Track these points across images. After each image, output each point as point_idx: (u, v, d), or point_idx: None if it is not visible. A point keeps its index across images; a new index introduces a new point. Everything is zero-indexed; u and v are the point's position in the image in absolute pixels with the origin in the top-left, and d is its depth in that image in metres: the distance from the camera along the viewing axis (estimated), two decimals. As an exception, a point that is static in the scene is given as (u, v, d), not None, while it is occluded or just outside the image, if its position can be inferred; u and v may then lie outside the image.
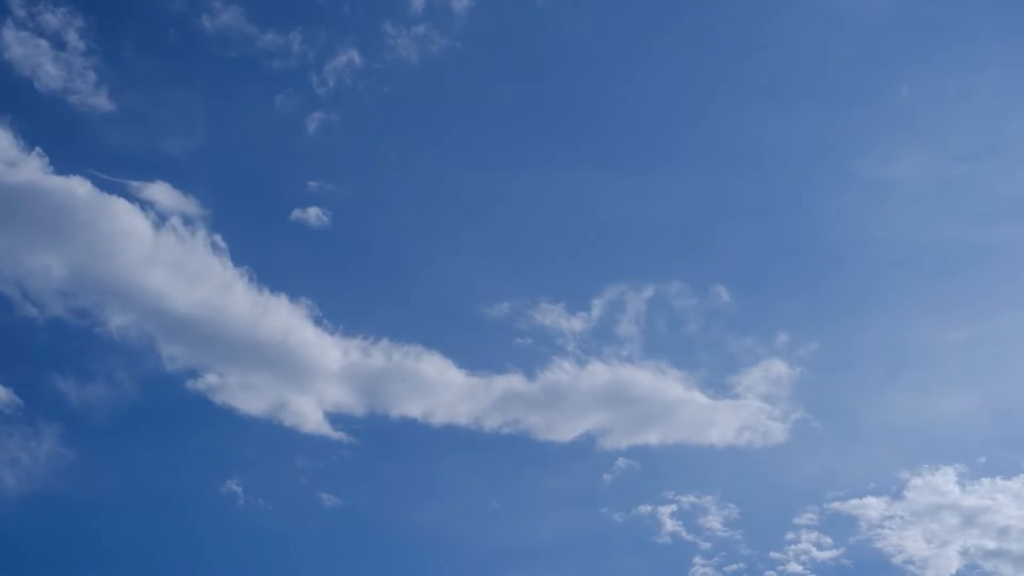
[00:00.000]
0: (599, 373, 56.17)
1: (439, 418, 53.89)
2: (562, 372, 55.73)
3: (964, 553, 54.11)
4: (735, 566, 52.87)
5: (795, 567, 52.99)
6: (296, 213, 56.04)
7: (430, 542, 52.42)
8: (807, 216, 63.15)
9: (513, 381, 55.02)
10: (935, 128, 63.12)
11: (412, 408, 53.67)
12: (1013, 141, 62.26)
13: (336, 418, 52.74)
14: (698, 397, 56.46)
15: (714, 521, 54.11)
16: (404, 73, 59.15)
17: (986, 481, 55.63)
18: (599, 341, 57.10)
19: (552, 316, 56.77)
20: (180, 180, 54.53)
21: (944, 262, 61.84)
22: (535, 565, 52.60)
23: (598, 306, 57.86)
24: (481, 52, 61.25)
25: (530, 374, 55.25)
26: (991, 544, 54.28)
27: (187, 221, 53.61)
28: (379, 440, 53.72)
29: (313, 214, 55.80)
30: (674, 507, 54.37)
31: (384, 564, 50.64)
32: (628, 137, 62.70)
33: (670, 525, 53.87)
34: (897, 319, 61.39)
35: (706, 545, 53.57)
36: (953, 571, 53.58)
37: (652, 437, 55.81)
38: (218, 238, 53.79)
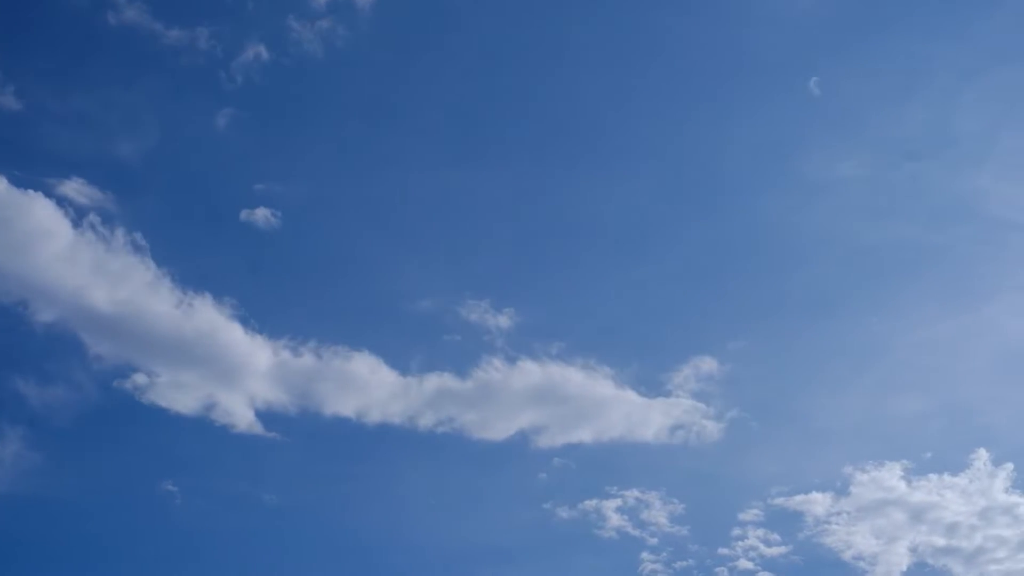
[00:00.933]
0: (530, 371, 54.98)
1: (373, 417, 52.91)
2: (493, 370, 54.66)
3: (913, 550, 53.39)
4: (684, 563, 51.97)
5: (745, 564, 51.99)
6: (225, 212, 55.26)
7: (369, 541, 51.61)
8: (747, 216, 62.26)
9: (445, 380, 54.07)
10: (879, 128, 62.80)
11: (345, 407, 52.58)
12: (958, 140, 62.16)
13: (268, 417, 51.71)
14: (630, 395, 55.32)
15: (660, 516, 53.00)
16: (312, 68, 57.97)
17: (933, 477, 54.96)
18: (528, 338, 56.13)
19: (478, 312, 55.65)
20: (96, 178, 52.83)
21: (889, 263, 61.14)
22: (479, 563, 51.78)
23: (526, 303, 57.18)
24: (387, 46, 59.95)
25: (461, 372, 54.32)
26: (940, 541, 53.73)
27: (106, 219, 51.99)
28: (313, 439, 52.79)
29: (244, 215, 54.65)
30: (619, 502, 53.24)
31: (324, 563, 49.93)
32: (559, 133, 61.41)
33: (616, 520, 52.79)
34: (837, 319, 60.60)
35: (653, 540, 52.59)
36: (904, 568, 52.94)
37: (586, 435, 54.81)
38: (138, 236, 52.14)
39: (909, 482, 54.55)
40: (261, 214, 54.22)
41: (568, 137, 61.15)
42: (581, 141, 61.17)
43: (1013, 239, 60.22)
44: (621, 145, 61.53)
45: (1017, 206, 59.90)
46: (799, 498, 53.81)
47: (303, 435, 52.25)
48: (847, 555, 52.74)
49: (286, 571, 49.57)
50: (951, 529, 53.72)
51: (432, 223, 58.87)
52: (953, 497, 54.39)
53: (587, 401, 54.80)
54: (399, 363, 53.52)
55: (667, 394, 55.76)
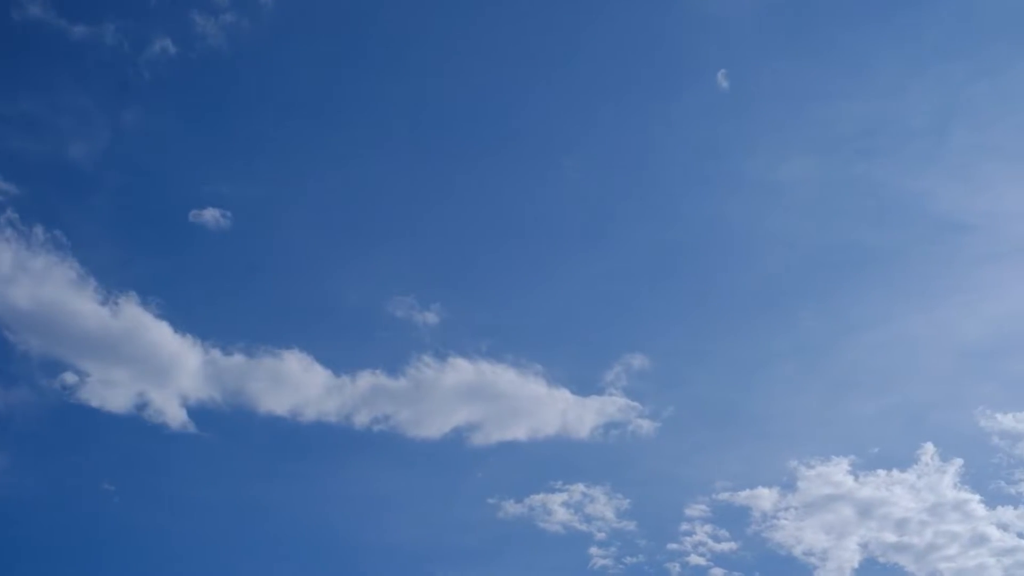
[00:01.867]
0: (462, 368, 53.69)
1: (308, 416, 51.67)
2: (424, 367, 53.37)
3: (864, 546, 52.48)
4: (635, 558, 50.79)
5: (697, 559, 50.96)
6: (158, 210, 53.97)
7: (312, 540, 50.52)
8: (685, 215, 61.09)
9: (377, 377, 52.91)
10: (826, 128, 61.57)
11: (279, 406, 51.33)
12: (908, 139, 61.48)
13: (201, 416, 50.46)
14: (564, 393, 54.17)
15: (606, 511, 51.80)
16: (218, 63, 55.80)
17: (881, 473, 54.07)
18: (459, 336, 55.01)
19: (406, 309, 54.38)
20: (11, 174, 50.87)
21: (837, 264, 60.35)
22: (425, 560, 50.84)
23: (456, 300, 56.01)
24: (292, 40, 57.81)
25: (392, 370, 53.08)
26: (891, 537, 52.78)
27: (24, 217, 50.05)
28: (248, 438, 51.71)
29: (191, 216, 53.31)
30: (565, 496, 52.11)
31: (265, 562, 49.11)
32: (488, 130, 59.98)
33: (562, 515, 51.56)
34: (781, 317, 59.66)
35: (601, 535, 51.36)
36: (856, 565, 51.91)
37: (521, 433, 53.67)
38: (59, 234, 50.29)
39: (856, 477, 53.82)
40: (210, 215, 53.29)
41: (498, 134, 59.96)
42: (512, 138, 59.95)
43: (961, 240, 60.00)
44: (552, 142, 60.40)
45: (966, 206, 59.85)
46: (745, 493, 52.99)
47: (238, 434, 51.26)
48: (797, 551, 51.92)
49: (226, 570, 48.70)
50: (901, 525, 53.04)
51: (363, 221, 57.69)
52: (902, 493, 53.64)
53: (520, 399, 53.90)
54: (331, 361, 52.43)
55: (600, 392, 54.79)
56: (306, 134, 57.21)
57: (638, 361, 55.18)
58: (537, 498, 51.70)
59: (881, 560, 51.99)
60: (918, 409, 57.19)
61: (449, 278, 57.16)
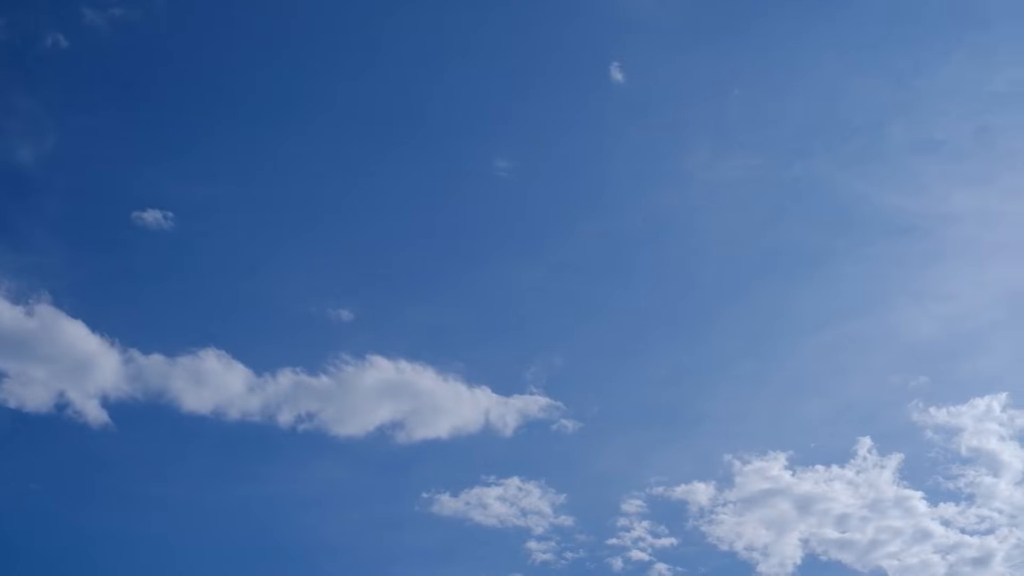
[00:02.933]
0: (382, 367, 52.46)
1: (232, 415, 50.30)
2: (344, 366, 52.09)
3: (805, 542, 51.05)
4: (575, 553, 49.43)
5: (640, 555, 49.46)
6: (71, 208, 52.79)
7: (244, 537, 49.54)
8: (625, 215, 59.47)
9: (299, 377, 51.60)
10: (769, 128, 60.43)
11: (201, 405, 50.02)
12: (851, 139, 60.30)
13: (122, 416, 49.19)
14: (485, 392, 52.87)
15: (543, 506, 50.47)
16: (110, 56, 54.67)
17: (820, 468, 52.79)
18: (378, 334, 54.10)
19: (325, 308, 53.50)
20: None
21: (772, 265, 59.19)
22: (361, 558, 49.74)
23: (376, 300, 55.31)
24: (182, 32, 56.40)
25: (313, 369, 51.87)
26: (832, 533, 51.41)
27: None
28: (171, 437, 50.46)
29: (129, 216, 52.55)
30: (500, 490, 50.75)
31: (194, 560, 48.01)
32: (405, 130, 58.25)
33: (498, 508, 50.15)
34: (716, 316, 58.30)
35: (539, 529, 49.96)
36: (799, 561, 50.51)
37: (443, 431, 52.30)
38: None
39: (794, 472, 52.62)
40: (145, 216, 52.45)
41: (421, 131, 58.38)
42: (436, 136, 58.54)
43: (903, 240, 59.14)
44: (480, 140, 59.27)
45: (908, 207, 58.97)
46: (681, 488, 51.76)
47: (161, 433, 50.17)
48: (739, 546, 50.57)
49: (154, 569, 47.50)
50: (842, 521, 51.84)
51: (290, 221, 56.45)
52: (841, 488, 52.45)
53: (441, 397, 52.75)
54: (251, 360, 51.10)
55: (522, 391, 53.45)
56: (235, 135, 56.61)
57: (560, 360, 54.80)
58: (473, 492, 50.64)
59: (823, 558, 50.94)
60: (854, 404, 56.33)
61: (369, 277, 56.10)
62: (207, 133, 56.01)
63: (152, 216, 52.06)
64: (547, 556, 49.14)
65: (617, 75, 57.58)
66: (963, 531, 51.04)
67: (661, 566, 49.26)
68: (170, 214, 52.27)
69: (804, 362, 57.54)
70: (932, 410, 53.51)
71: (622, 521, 50.57)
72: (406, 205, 57.55)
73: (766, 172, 59.71)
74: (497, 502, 50.29)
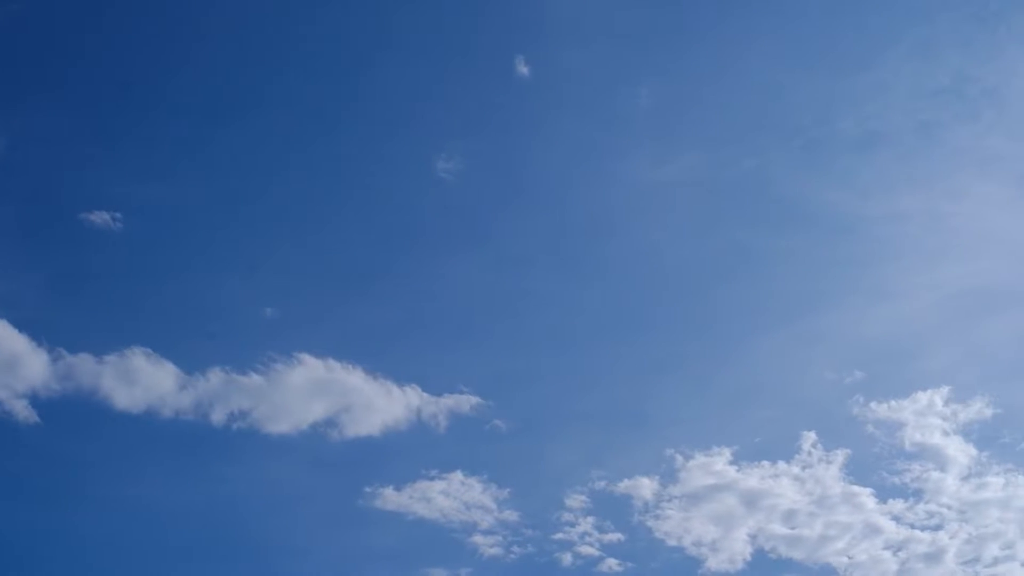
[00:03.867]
0: (312, 366, 51.42)
1: (164, 414, 49.36)
2: (274, 364, 51.05)
3: (754, 538, 49.88)
4: (523, 548, 48.41)
5: (589, 550, 48.37)
6: None
7: (183, 534, 48.25)
8: (568, 214, 58.07)
9: (229, 375, 50.67)
10: (711, 125, 59.08)
11: (133, 404, 49.07)
12: (793, 136, 58.88)
13: (52, 415, 48.24)
14: (416, 390, 51.75)
15: (486, 500, 49.32)
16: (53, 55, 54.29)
17: (765, 463, 51.57)
18: (305, 334, 52.90)
19: (254, 306, 53.00)
20: None
21: (722, 264, 57.77)
22: (303, 558, 48.41)
23: (303, 298, 54.41)
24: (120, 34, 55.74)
25: (242, 367, 50.89)
26: (781, 529, 50.16)
27: None
28: (103, 436, 49.32)
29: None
30: (444, 484, 49.63)
31: (129, 560, 46.64)
32: (314, 130, 57.12)
33: (442, 502, 49.05)
34: (652, 315, 57.01)
35: (485, 524, 48.82)
36: (748, 557, 49.32)
37: (375, 429, 51.22)
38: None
39: (739, 468, 51.45)
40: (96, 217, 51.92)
41: (346, 130, 57.52)
42: (359, 134, 57.69)
43: (845, 240, 58.21)
44: (422, 137, 57.66)
45: (851, 206, 57.98)
46: (624, 483, 50.56)
47: (92, 432, 49.20)
48: (687, 541, 49.35)
49: (87, 569, 46.51)
50: (789, 516, 50.56)
51: (224, 220, 55.65)
52: (788, 484, 51.23)
53: (371, 396, 51.66)
54: (181, 359, 50.25)
55: (452, 390, 52.28)
56: (164, 135, 55.55)
57: (491, 359, 54.43)
58: (417, 486, 49.59)
59: (772, 555, 49.75)
60: (797, 400, 55.26)
61: (297, 275, 54.97)
62: (138, 132, 55.19)
63: (87, 217, 51.58)
64: (495, 550, 48.12)
65: (523, 70, 56.52)
66: (913, 527, 50.18)
67: (612, 561, 48.27)
68: (104, 215, 51.67)
69: (747, 359, 56.41)
70: (873, 405, 52.64)
71: (567, 516, 49.58)
72: (334, 203, 56.61)
73: (709, 170, 58.66)
74: (441, 496, 49.31)
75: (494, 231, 57.28)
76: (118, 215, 51.80)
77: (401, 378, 51.19)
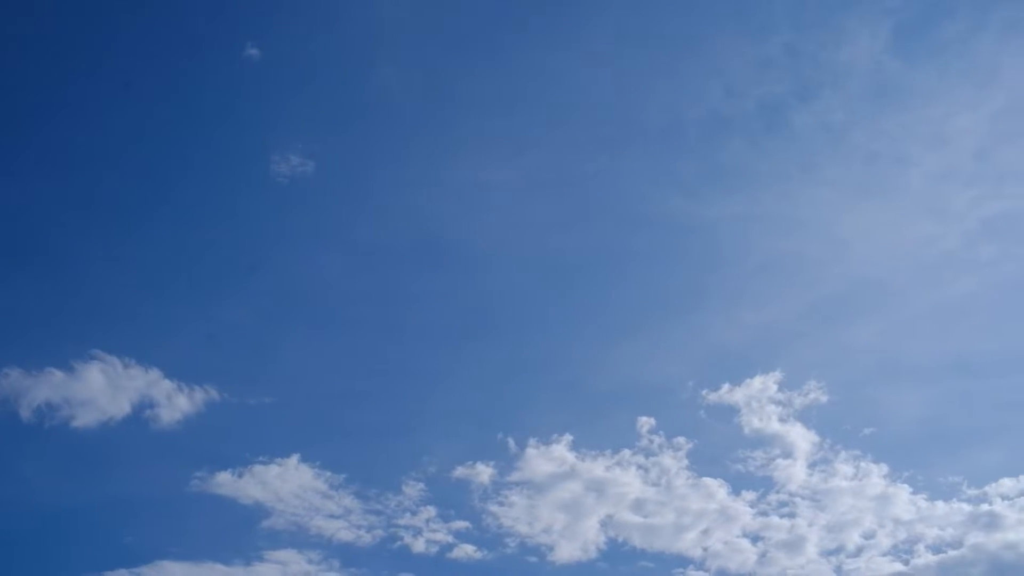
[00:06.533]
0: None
1: None
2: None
3: (604, 526, 47.34)
4: (370, 535, 45.99)
5: (444, 537, 46.13)
6: None
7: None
8: (399, 219, 55.75)
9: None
10: (556, 128, 57.01)
11: None
12: (640, 135, 57.16)
13: None
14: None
15: (319, 484, 46.96)
16: None
17: (607, 451, 48.98)
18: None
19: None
20: None
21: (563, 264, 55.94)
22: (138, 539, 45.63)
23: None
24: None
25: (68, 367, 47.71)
26: (632, 517, 47.64)
27: None
28: None
29: None
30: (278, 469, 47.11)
31: None
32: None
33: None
34: (476, 302, 55.04)
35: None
36: (602, 546, 46.77)
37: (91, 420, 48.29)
38: None
39: (580, 455, 49.08)
40: None
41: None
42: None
43: (697, 242, 56.90)
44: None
45: (701, 211, 56.38)
46: (459, 470, 48.61)
47: None
48: (536, 528, 47.17)
49: None
50: (638, 506, 48.23)
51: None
52: (634, 473, 48.84)
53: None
54: None
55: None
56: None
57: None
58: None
59: (625, 548, 47.25)
60: (634, 389, 53.40)
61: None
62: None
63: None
64: (346, 533, 45.91)
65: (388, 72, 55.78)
66: (767, 515, 48.05)
67: (468, 547, 46.28)
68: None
69: (584, 355, 54.81)
70: (705, 391, 50.74)
71: (407, 502, 47.38)
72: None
73: (554, 173, 57.02)
74: (278, 480, 46.69)
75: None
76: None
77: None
